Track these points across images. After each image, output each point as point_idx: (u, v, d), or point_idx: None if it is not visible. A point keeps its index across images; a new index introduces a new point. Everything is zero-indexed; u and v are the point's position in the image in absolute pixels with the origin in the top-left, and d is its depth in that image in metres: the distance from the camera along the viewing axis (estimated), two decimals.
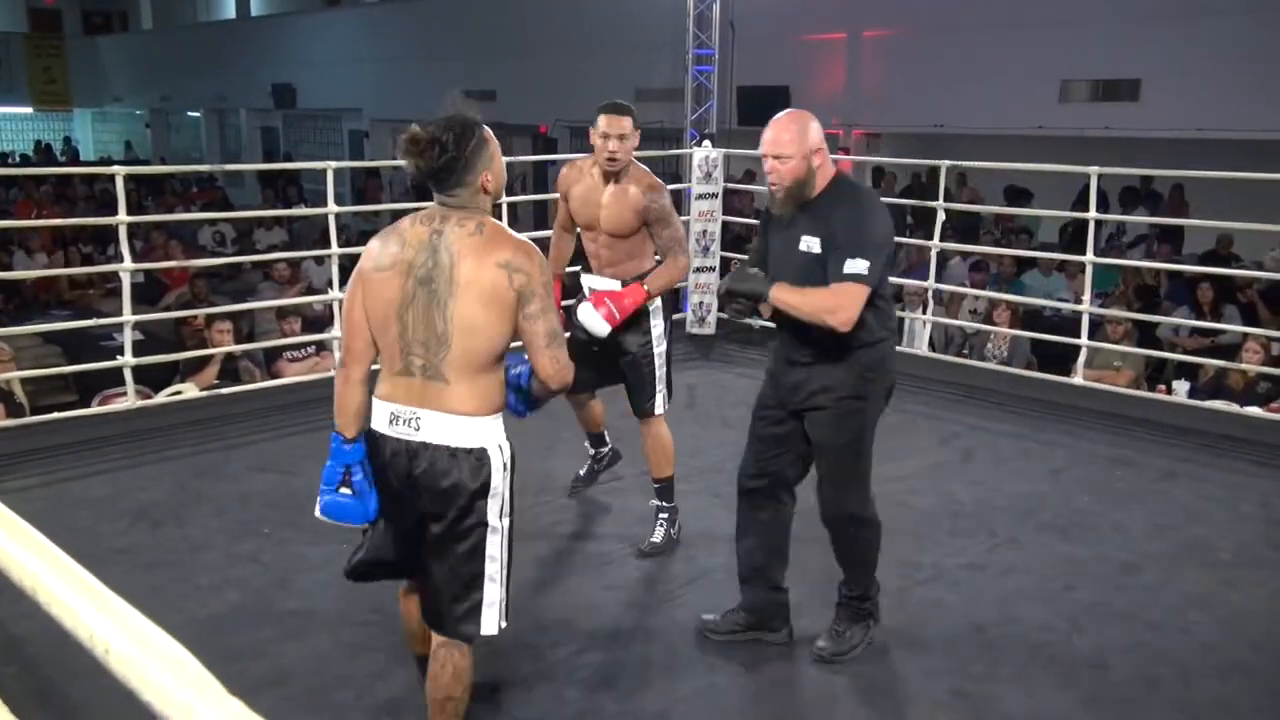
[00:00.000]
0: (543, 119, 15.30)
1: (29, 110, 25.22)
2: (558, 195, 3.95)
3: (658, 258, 3.79)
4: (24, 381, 5.90)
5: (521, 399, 2.44)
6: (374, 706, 2.91)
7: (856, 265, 2.79)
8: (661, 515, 3.91)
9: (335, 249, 5.84)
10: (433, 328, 2.27)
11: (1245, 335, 6.17)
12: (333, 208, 5.70)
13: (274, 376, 6.23)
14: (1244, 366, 5.87)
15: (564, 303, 4.16)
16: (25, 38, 24.91)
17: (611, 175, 3.68)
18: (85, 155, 25.11)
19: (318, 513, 2.41)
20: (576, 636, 3.27)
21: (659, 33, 12.88)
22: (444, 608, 2.41)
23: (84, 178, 15.92)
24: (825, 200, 2.91)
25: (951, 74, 10.86)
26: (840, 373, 2.95)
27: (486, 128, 2.35)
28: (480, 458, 2.32)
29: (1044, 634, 3.33)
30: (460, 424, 2.30)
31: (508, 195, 6.72)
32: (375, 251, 2.35)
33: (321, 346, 6.49)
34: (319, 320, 7.28)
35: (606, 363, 3.81)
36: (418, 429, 2.31)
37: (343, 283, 6.11)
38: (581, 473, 4.39)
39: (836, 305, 2.82)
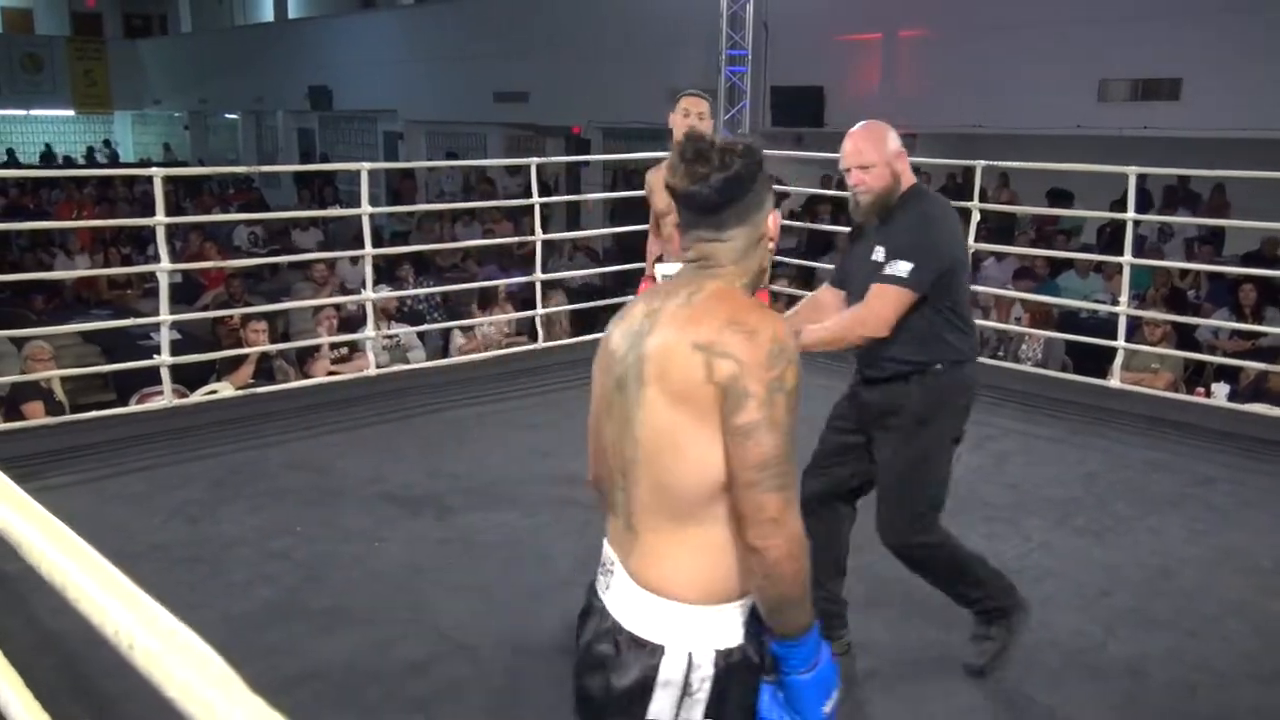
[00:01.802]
0: (575, 120, 15.33)
1: (71, 112, 25.60)
2: (645, 196, 4.16)
3: None
4: (63, 380, 6.01)
5: None
6: (405, 703, 2.93)
7: (896, 268, 2.72)
8: None
9: (369, 249, 5.89)
10: (622, 450, 1.58)
11: None
12: (367, 208, 5.75)
13: (308, 376, 6.28)
14: None
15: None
16: (68, 41, 25.29)
17: None
18: (125, 157, 25.47)
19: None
20: None
21: (692, 33, 12.86)
22: None
23: (124, 179, 16.13)
24: (898, 209, 2.85)
25: (988, 74, 10.75)
26: (913, 391, 2.85)
27: None
28: (651, 660, 1.54)
29: (1079, 639, 3.29)
30: (641, 601, 1.55)
31: (542, 194, 6.73)
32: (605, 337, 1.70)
33: (354, 346, 6.53)
34: (352, 320, 7.33)
35: None
36: (608, 587, 1.62)
37: (376, 282, 6.16)
38: None
39: (866, 314, 2.75)
